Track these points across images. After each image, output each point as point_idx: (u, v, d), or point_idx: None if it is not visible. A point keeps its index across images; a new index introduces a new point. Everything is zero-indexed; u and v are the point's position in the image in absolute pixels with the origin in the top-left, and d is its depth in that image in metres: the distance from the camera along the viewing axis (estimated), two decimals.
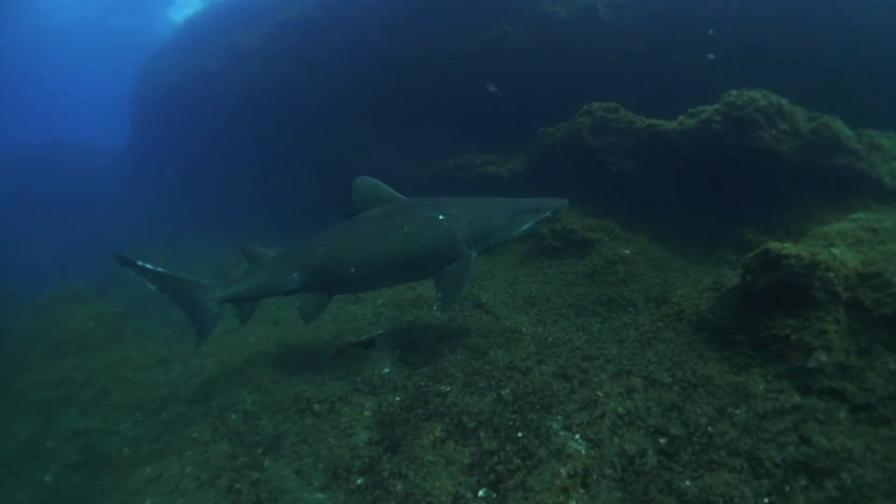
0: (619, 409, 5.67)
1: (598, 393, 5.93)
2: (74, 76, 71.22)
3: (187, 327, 7.35)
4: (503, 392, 6.10)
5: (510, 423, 5.70)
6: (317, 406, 6.60)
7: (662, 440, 5.19)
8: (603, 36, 15.09)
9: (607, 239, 9.43)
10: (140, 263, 7.02)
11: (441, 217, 6.77)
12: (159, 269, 7.09)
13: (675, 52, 14.27)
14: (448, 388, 6.34)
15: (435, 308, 8.27)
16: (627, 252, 8.86)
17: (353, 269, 6.90)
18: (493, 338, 7.24)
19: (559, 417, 5.68)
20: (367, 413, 6.31)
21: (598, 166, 10.58)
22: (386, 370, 7.02)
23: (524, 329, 7.39)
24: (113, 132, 43.03)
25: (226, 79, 24.02)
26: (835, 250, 6.03)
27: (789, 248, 5.77)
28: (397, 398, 6.43)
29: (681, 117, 9.70)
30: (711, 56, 13.38)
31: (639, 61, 14.73)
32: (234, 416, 6.92)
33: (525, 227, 6.90)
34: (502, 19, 16.12)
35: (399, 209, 7.03)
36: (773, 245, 5.83)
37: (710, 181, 9.62)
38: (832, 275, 5.66)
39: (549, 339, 7.11)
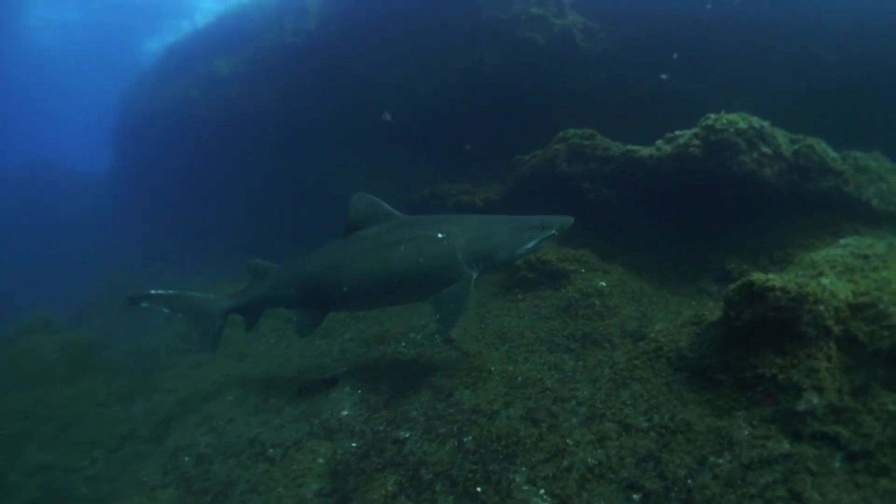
0: (590, 459, 5.13)
1: (568, 441, 5.41)
2: (58, 100, 70.83)
3: (197, 340, 7.79)
4: (465, 439, 5.68)
5: (470, 475, 5.22)
6: (271, 451, 6.38)
7: (636, 496, 4.66)
8: (580, 62, 14.95)
9: (583, 270, 8.96)
10: (153, 292, 7.53)
11: (440, 235, 6.57)
12: (170, 292, 7.56)
13: (652, 76, 14.16)
14: (407, 434, 5.97)
15: (435, 334, 8.00)
16: (603, 284, 8.38)
17: (345, 289, 6.81)
18: (459, 377, 6.83)
19: (523, 469, 5.17)
20: (320, 461, 6.02)
21: (574, 194, 10.16)
22: (345, 412, 6.73)
23: (493, 367, 6.95)
24: (95, 158, 42.59)
25: (206, 105, 23.84)
26: (824, 280, 5.52)
27: (774, 279, 5.26)
28: (353, 444, 6.12)
29: (658, 142, 9.30)
30: (664, 76, 13.53)
31: (616, 87, 14.65)
32: (187, 459, 6.76)
33: (529, 245, 6.61)
34: (479, 46, 15.88)
35: (396, 227, 6.91)
36: (757, 276, 5.32)
37: (689, 208, 9.19)
38: (822, 307, 5.15)
39: (520, 378, 6.63)
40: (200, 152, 24.49)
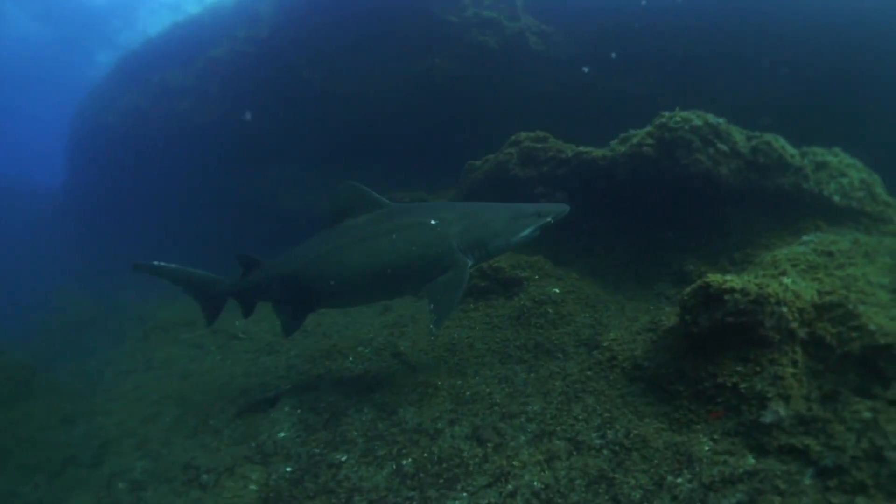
0: (536, 483, 4.70)
1: (514, 462, 4.99)
2: (11, 112, 69.20)
3: (199, 313, 7.79)
4: (404, 462, 5.37)
5: (406, 503, 4.83)
6: (205, 477, 6.06)
7: None
8: (534, 65, 14.72)
9: (536, 277, 8.53)
10: (156, 263, 7.46)
11: (433, 222, 6.28)
12: (173, 266, 7.52)
13: (607, 79, 14.03)
14: (343, 458, 5.67)
15: (430, 325, 7.42)
16: (557, 291, 7.94)
17: (332, 282, 6.51)
18: (404, 393, 6.53)
19: (464, 495, 4.77)
20: (252, 487, 5.71)
21: (528, 199, 9.69)
22: (282, 434, 6.42)
23: (440, 382, 6.61)
24: (50, 171, 41.48)
25: (157, 117, 23.43)
26: (786, 280, 5.11)
27: (732, 280, 4.85)
28: (288, 469, 5.79)
29: (612, 143, 8.93)
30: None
31: (572, 89, 14.43)
32: (121, 486, 6.45)
33: (525, 232, 6.33)
34: (431, 51, 15.57)
35: (386, 215, 6.58)
36: (713, 278, 4.90)
37: (646, 209, 8.80)
38: (785, 309, 4.75)
39: (468, 393, 6.29)
40: (152, 166, 24.04)
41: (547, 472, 4.78)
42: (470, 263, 6.19)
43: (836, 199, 7.86)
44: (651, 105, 8.80)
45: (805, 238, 6.55)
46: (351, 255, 6.42)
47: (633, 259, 8.86)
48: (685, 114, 8.17)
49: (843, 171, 8.10)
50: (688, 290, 5.10)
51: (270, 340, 10.67)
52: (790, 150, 7.98)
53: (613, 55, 13.55)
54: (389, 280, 6.39)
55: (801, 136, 8.68)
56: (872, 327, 4.63)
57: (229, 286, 7.56)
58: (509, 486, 4.69)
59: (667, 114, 8.31)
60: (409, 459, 5.35)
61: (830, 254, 5.88)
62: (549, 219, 6.36)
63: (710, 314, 4.86)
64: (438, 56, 15.34)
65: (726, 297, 4.76)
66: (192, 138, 21.60)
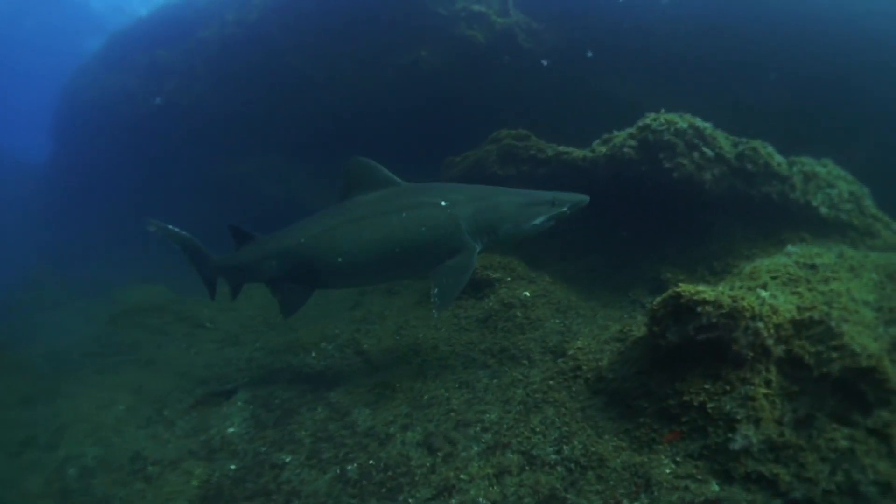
0: (482, 499, 4.38)
1: (462, 475, 4.67)
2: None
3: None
4: (349, 467, 5.21)
5: None
6: (151, 468, 5.93)
7: None
8: (522, 62, 14.44)
9: (508, 279, 8.18)
10: (170, 227, 7.33)
11: (443, 203, 6.10)
12: (183, 233, 7.36)
13: (596, 78, 13.82)
14: (288, 459, 5.54)
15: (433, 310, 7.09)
16: (527, 294, 7.61)
17: (340, 259, 6.31)
18: (361, 394, 6.38)
19: None
20: (194, 483, 5.57)
21: None
22: (231, 430, 6.31)
23: (399, 384, 6.39)
24: (35, 146, 40.64)
25: (144, 97, 22.80)
26: (763, 293, 4.77)
27: (705, 291, 4.50)
28: (232, 466, 5.67)
29: (594, 144, 8.58)
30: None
31: (561, 88, 14.19)
32: (72, 472, 6.29)
33: (537, 220, 6.12)
34: (419, 43, 15.25)
35: (396, 193, 6.44)
36: (685, 288, 4.55)
37: (625, 213, 8.47)
38: (760, 325, 4.40)
39: (426, 397, 6.07)
40: (136, 147, 23.43)
41: (495, 488, 4.45)
42: (478, 248, 6.05)
43: (823, 210, 7.56)
44: (640, 107, 8.47)
45: (789, 249, 6.23)
46: (359, 232, 6.23)
47: (610, 264, 8.53)
48: (670, 116, 7.85)
49: (832, 183, 7.81)
50: (658, 299, 4.75)
51: (236, 331, 10.45)
52: (777, 158, 7.67)
53: (589, 54, 13.46)
54: (397, 260, 6.21)
55: (793, 143, 8.44)
56: (855, 347, 4.29)
57: (218, 262, 7.42)
58: (453, 501, 4.36)
59: (651, 115, 7.97)
60: (355, 465, 5.17)
61: (814, 267, 5.54)
62: (564, 208, 6.14)
63: (679, 326, 4.52)
64: (425, 48, 15.03)
65: (698, 308, 4.41)
66: (176, 120, 21.16)
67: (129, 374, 9.22)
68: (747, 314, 4.37)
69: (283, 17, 17.83)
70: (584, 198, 6.26)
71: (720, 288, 4.83)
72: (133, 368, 9.59)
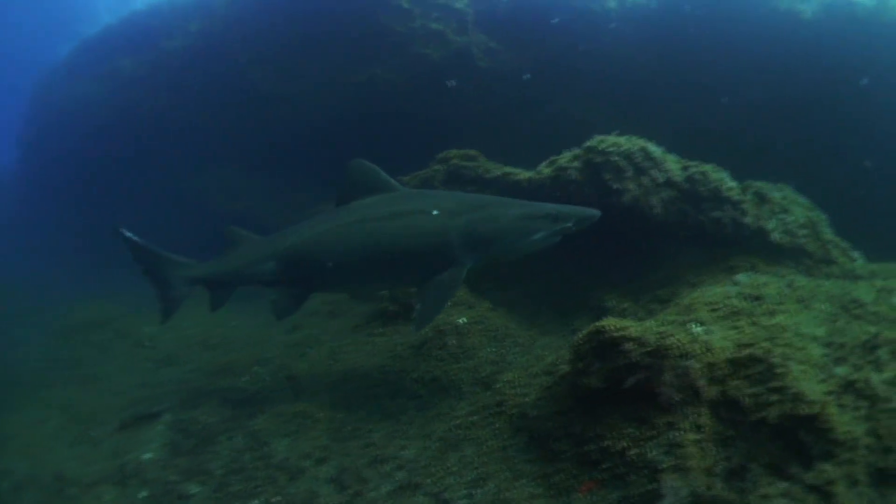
0: None
1: None
2: None
3: (155, 303, 7.11)
4: (253, 502, 5.04)
5: None
6: (69, 489, 5.80)
7: None
8: (478, 81, 14.24)
9: (448, 303, 7.75)
10: (122, 231, 6.97)
11: (435, 212, 5.80)
12: (138, 240, 6.98)
13: (551, 100, 13.75)
14: (196, 490, 5.41)
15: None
16: (463, 321, 7.22)
17: (330, 263, 6.14)
18: (282, 422, 6.16)
19: None
20: None
21: None
22: (147, 455, 6.15)
23: (323, 413, 6.20)
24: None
25: (108, 106, 22.40)
26: (696, 328, 4.41)
27: (629, 326, 4.14)
28: (144, 494, 5.54)
29: (540, 165, 8.26)
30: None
31: (517, 109, 14.06)
32: (5, 485, 6.18)
33: (537, 236, 5.71)
34: (375, 60, 15.02)
35: (391, 199, 6.21)
36: (609, 323, 4.19)
37: (569, 238, 8.12)
38: (691, 363, 4.04)
39: (348, 428, 5.88)
40: (100, 157, 22.97)
41: None
42: (469, 265, 5.68)
43: (776, 236, 7.26)
44: (596, 129, 8.15)
45: (737, 277, 5.90)
46: (350, 237, 6.07)
47: (553, 291, 8.15)
48: (618, 138, 7.54)
49: (787, 208, 7.52)
50: (581, 334, 4.37)
51: (175, 351, 10.21)
52: (729, 182, 7.37)
53: (527, 76, 13.43)
54: (385, 268, 6.05)
55: (756, 169, 8.28)
56: (797, 390, 3.88)
57: (198, 272, 7.03)
58: None
59: (598, 137, 7.66)
60: (260, 500, 5.02)
61: (759, 298, 5.18)
62: (569, 224, 5.74)
63: (602, 364, 4.15)
64: (381, 65, 14.79)
65: (622, 346, 4.04)
66: (137, 132, 20.85)
67: (66, 391, 9.01)
68: (675, 352, 4.01)
69: (244, 30, 17.57)
70: (594, 213, 5.89)
71: (649, 323, 4.47)
72: (71, 385, 9.37)
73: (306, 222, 6.67)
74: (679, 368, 4.00)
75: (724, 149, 10.59)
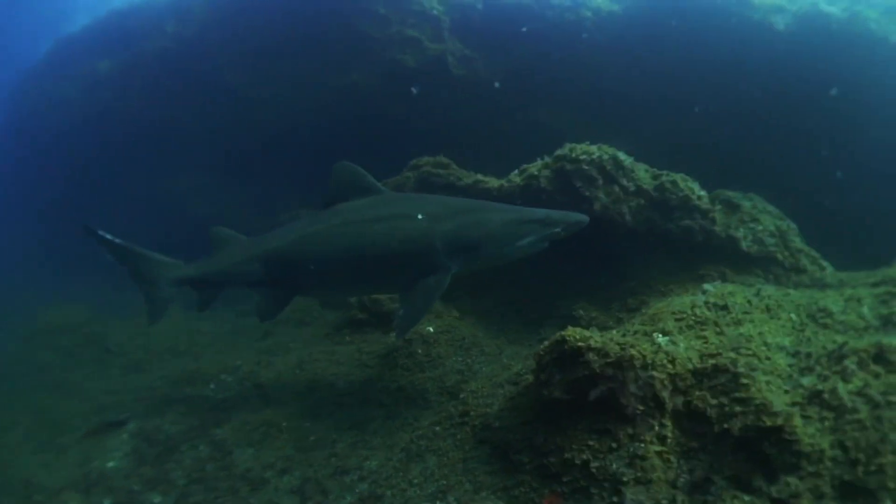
0: None
1: None
2: None
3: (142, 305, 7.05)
4: None
5: None
6: (37, 496, 5.74)
7: None
8: (452, 88, 14.21)
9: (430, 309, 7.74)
10: (100, 233, 6.81)
11: (420, 216, 5.68)
12: (118, 241, 6.85)
13: (527, 108, 13.71)
14: (158, 500, 5.39)
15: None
16: (430, 329, 7.18)
17: (312, 266, 6.13)
18: (247, 431, 6.14)
19: None
20: None
21: None
22: (111, 464, 6.08)
23: (288, 423, 6.17)
24: None
25: (83, 107, 22.21)
26: (660, 339, 4.37)
27: (591, 337, 4.08)
28: (106, 502, 5.52)
29: (512, 174, 8.20)
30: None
31: (490, 117, 14.00)
32: None
33: (524, 241, 5.61)
34: (351, 66, 14.97)
35: (377, 202, 6.13)
36: (571, 333, 4.13)
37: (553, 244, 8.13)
38: (654, 374, 3.99)
39: (312, 438, 5.85)
40: (76, 159, 22.76)
41: None
42: (454, 269, 5.57)
43: (745, 245, 7.27)
44: (568, 138, 8.12)
45: (706, 286, 5.83)
46: (332, 240, 6.01)
47: (522, 299, 8.10)
48: (588, 146, 7.51)
49: (756, 217, 7.54)
50: (545, 344, 4.31)
51: (143, 358, 10.09)
52: (698, 191, 7.37)
53: (497, 84, 13.48)
54: (368, 272, 5.98)
55: (726, 178, 8.29)
56: (759, 401, 3.84)
57: (184, 272, 6.96)
58: None
59: (569, 145, 7.63)
60: None
61: (725, 307, 5.11)
62: (558, 229, 5.66)
63: (564, 375, 4.09)
64: (357, 71, 14.76)
65: (584, 356, 3.98)
66: (113, 134, 20.64)
67: (34, 396, 8.86)
68: (637, 363, 3.95)
69: (221, 33, 17.45)
70: (583, 218, 5.82)
71: (612, 333, 4.42)
72: (39, 391, 9.21)
73: (291, 225, 6.69)
74: (642, 379, 3.95)
75: (696, 158, 10.70)
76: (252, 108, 16.86)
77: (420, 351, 6.83)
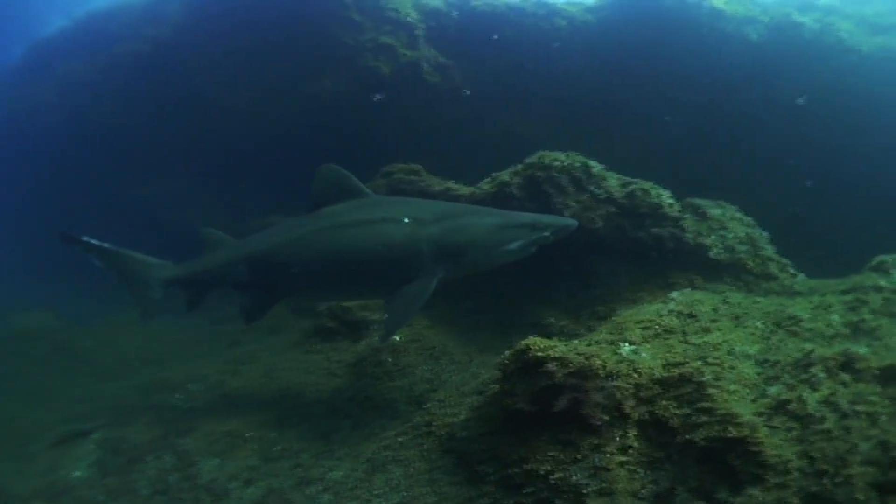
0: None
1: None
2: None
3: (133, 306, 7.11)
4: None
5: None
6: None
7: None
8: (427, 96, 14.17)
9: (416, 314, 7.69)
10: (85, 239, 6.76)
11: (405, 220, 5.60)
12: (105, 245, 6.82)
13: (498, 117, 13.79)
14: None
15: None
16: (400, 338, 7.09)
17: (295, 270, 6.03)
18: (212, 441, 6.04)
19: None
20: None
21: None
22: (76, 473, 6.00)
23: (254, 433, 6.08)
24: None
25: (60, 111, 21.89)
26: (624, 348, 4.34)
27: (553, 346, 4.06)
28: None
29: (482, 181, 8.17)
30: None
31: (465, 125, 14.05)
32: None
33: (513, 245, 5.56)
34: (324, 72, 14.86)
35: (362, 206, 6.05)
36: (534, 342, 4.09)
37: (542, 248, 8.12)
38: (617, 384, 3.96)
39: (278, 447, 5.77)
40: (49, 163, 22.44)
41: None
42: (440, 275, 5.49)
43: (715, 252, 7.25)
44: (541, 146, 8.11)
45: (673, 294, 5.85)
46: (315, 244, 5.91)
47: (493, 307, 8.01)
48: (559, 154, 7.50)
49: (726, 224, 7.52)
50: (508, 353, 4.28)
51: (113, 366, 10.09)
52: (668, 199, 7.36)
53: (466, 92, 13.62)
54: (350, 277, 5.91)
55: (698, 186, 8.43)
56: (724, 411, 3.79)
57: (174, 272, 6.94)
58: None
59: (539, 153, 7.62)
60: None
61: (692, 315, 5.11)
62: (546, 233, 5.61)
63: (527, 385, 4.05)
64: (330, 78, 14.68)
65: (546, 365, 3.94)
66: (86, 138, 20.35)
67: (4, 404, 8.78)
68: (600, 373, 3.93)
69: (196, 38, 17.26)
70: (572, 222, 5.83)
71: (576, 343, 4.40)
72: (9, 399, 9.15)
73: (275, 227, 6.65)
74: (604, 389, 3.92)
75: (669, 167, 10.77)
76: (224, 114, 16.73)
77: (389, 360, 6.76)
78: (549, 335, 5.86)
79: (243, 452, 5.74)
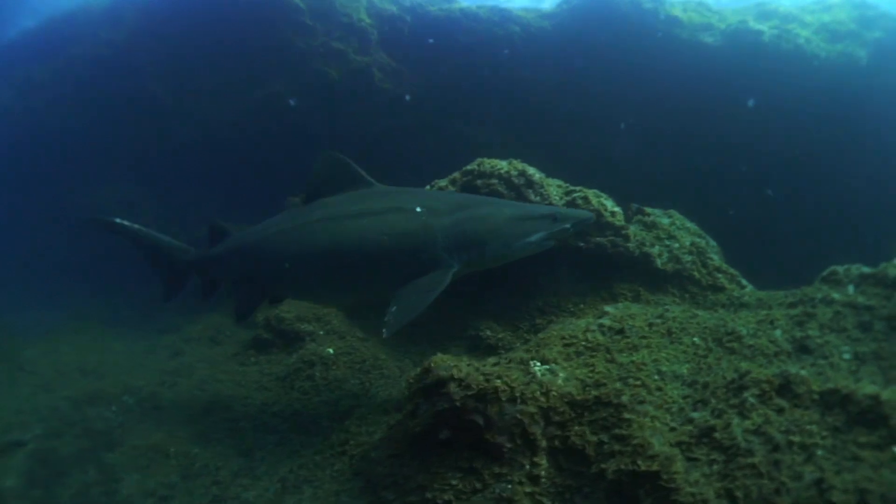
0: None
1: None
2: None
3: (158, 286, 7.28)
4: None
5: None
6: None
7: None
8: (378, 101, 13.99)
9: (321, 332, 7.51)
10: (118, 221, 7.08)
11: (418, 209, 5.25)
12: (136, 226, 7.09)
13: (454, 121, 13.65)
14: None
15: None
16: (331, 351, 6.94)
17: (287, 265, 5.68)
18: (136, 456, 5.99)
19: None
20: None
21: None
22: (8, 483, 5.90)
23: (174, 448, 6.01)
24: None
25: (19, 114, 21.49)
26: (537, 367, 4.14)
27: (456, 365, 3.85)
28: None
29: (424, 189, 7.97)
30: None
31: (416, 130, 13.92)
32: None
33: (533, 237, 5.26)
34: (275, 77, 14.66)
35: (366, 195, 5.69)
36: (437, 360, 3.90)
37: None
38: (523, 408, 3.76)
39: (198, 464, 5.72)
40: (7, 168, 22.14)
41: None
42: (456, 267, 5.11)
43: (660, 262, 7.08)
44: (492, 152, 7.92)
45: (607, 308, 5.57)
46: (310, 236, 5.53)
47: (431, 319, 7.78)
48: (498, 161, 7.32)
49: (673, 234, 7.36)
50: (413, 371, 4.08)
51: (52, 376, 9.58)
52: (611, 207, 7.18)
53: (407, 97, 13.48)
54: (355, 272, 5.46)
55: (654, 195, 8.31)
56: (638, 441, 3.54)
57: (194, 257, 7.01)
58: None
59: (478, 160, 7.44)
60: None
61: (622, 331, 4.84)
62: (566, 225, 5.36)
63: (429, 405, 3.85)
64: (279, 82, 14.51)
65: (446, 387, 3.74)
66: (43, 142, 19.94)
67: None
68: (503, 396, 3.72)
69: (149, 40, 17.04)
70: (591, 215, 5.65)
71: (486, 361, 4.20)
72: None
73: (273, 218, 6.29)
74: (509, 414, 3.71)
75: (623, 173, 10.63)
76: (177, 118, 16.56)
77: (318, 374, 6.59)
78: (488, 347, 5.71)
79: (165, 468, 5.66)
